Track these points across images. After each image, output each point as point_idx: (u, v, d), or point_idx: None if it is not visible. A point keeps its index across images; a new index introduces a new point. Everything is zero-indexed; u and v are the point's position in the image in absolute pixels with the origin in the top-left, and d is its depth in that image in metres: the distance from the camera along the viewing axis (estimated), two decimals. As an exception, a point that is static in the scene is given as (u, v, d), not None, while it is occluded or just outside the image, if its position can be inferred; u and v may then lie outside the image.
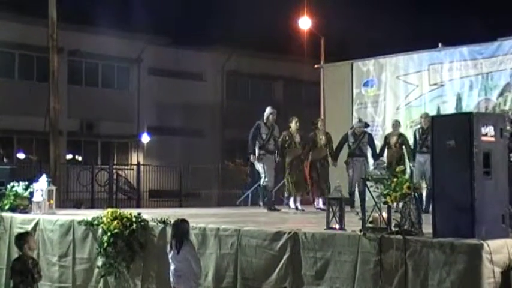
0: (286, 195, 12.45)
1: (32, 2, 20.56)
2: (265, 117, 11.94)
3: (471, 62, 14.04)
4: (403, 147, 12.59)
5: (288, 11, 22.58)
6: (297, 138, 12.09)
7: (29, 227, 9.84)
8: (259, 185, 12.56)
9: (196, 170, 23.26)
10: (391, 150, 12.54)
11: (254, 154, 11.83)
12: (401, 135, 12.75)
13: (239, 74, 30.74)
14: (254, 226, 7.97)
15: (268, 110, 12.03)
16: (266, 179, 11.88)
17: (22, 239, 8.27)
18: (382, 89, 15.60)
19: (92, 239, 9.08)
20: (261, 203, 13.17)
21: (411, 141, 12.68)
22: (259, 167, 12.03)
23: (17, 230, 10.07)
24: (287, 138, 12.05)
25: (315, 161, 12.28)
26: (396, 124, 12.92)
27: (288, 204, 12.30)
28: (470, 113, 6.42)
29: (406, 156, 12.52)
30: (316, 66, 17.82)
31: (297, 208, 11.95)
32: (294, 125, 12.08)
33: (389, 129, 14.56)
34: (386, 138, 12.87)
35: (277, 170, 12.40)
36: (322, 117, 15.82)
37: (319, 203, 12.05)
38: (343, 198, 7.31)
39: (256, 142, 11.83)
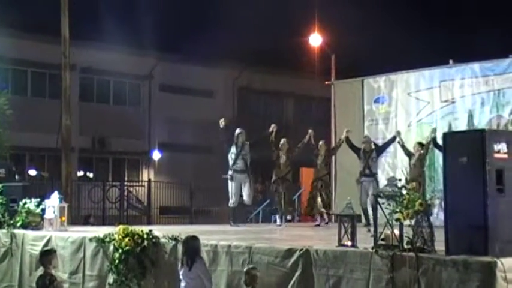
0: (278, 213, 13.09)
1: (44, 19, 20.75)
2: (234, 138, 12.48)
3: (482, 79, 13.99)
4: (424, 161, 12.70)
5: (298, 28, 22.67)
6: (282, 159, 12.73)
7: (41, 244, 9.87)
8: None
9: (207, 187, 23.25)
10: (412, 170, 12.54)
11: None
12: (422, 148, 12.73)
13: (250, 90, 30.82)
14: (266, 243, 7.95)
15: (237, 130, 12.58)
16: (232, 200, 12.50)
17: (46, 256, 8.31)
18: (393, 106, 15.56)
19: (102, 256, 9.08)
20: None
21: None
22: (229, 186, 12.63)
23: (29, 247, 10.10)
24: (275, 158, 12.74)
25: (316, 180, 13.05)
26: (418, 147, 12.89)
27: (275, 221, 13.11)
28: (482, 130, 6.42)
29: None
30: (327, 83, 17.80)
31: (280, 223, 12.70)
32: (281, 144, 12.82)
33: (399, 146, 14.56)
34: (410, 157, 12.88)
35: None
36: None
37: (318, 219, 12.87)
38: (355, 215, 7.30)
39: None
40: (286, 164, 12.80)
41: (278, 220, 12.91)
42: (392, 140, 13.30)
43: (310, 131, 13.02)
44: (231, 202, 12.57)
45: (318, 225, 12.67)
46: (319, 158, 13.03)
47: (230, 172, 12.51)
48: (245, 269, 7.27)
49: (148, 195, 22.68)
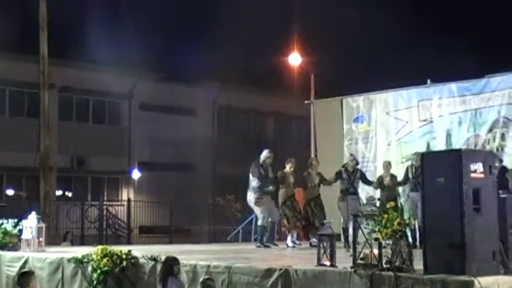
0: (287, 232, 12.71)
1: (23, 38, 20.67)
2: (261, 160, 12.22)
3: (459, 99, 14.15)
4: (396, 188, 12.79)
5: (279, 47, 22.81)
6: (291, 179, 12.45)
7: (18, 265, 9.75)
8: (253, 222, 12.77)
9: (187, 206, 23.16)
10: (384, 193, 12.61)
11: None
12: (393, 176, 12.88)
13: (230, 109, 30.88)
14: (245, 263, 7.94)
15: (265, 153, 12.29)
16: (264, 220, 12.14)
17: (24, 278, 8.19)
18: (372, 125, 15.67)
19: (81, 277, 9.00)
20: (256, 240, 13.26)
21: (401, 177, 12.82)
22: (257, 210, 12.32)
23: (5, 268, 9.97)
24: (282, 178, 12.40)
25: (308, 201, 12.67)
26: (388, 165, 13.04)
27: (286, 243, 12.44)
28: (459, 150, 6.50)
29: (399, 196, 12.74)
30: (306, 102, 17.90)
31: (294, 243, 12.20)
32: (289, 166, 12.48)
33: (380, 164, 14.66)
34: (380, 180, 12.94)
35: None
36: (313, 156, 15.99)
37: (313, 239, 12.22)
38: (334, 234, 7.32)
39: (253, 184, 12.10)
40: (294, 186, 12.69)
41: (294, 239, 12.46)
42: (370, 184, 13.17)
43: None
44: (264, 223, 12.27)
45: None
46: (311, 177, 12.72)
47: (258, 195, 12.15)
48: (201, 279, 7.30)
49: (127, 215, 22.52)
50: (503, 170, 11.37)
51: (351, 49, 26.49)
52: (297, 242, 12.30)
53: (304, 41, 21.80)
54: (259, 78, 27.61)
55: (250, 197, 12.24)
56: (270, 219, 12.19)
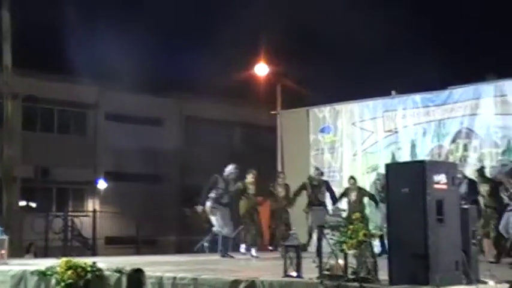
0: (242, 244, 12.70)
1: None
2: (226, 173, 12.26)
3: (423, 110, 14.38)
4: (363, 200, 12.93)
5: (246, 58, 22.86)
6: (252, 190, 12.57)
7: (-21, 279, 9.54)
8: (214, 234, 12.71)
9: (153, 217, 23.00)
10: (351, 205, 12.75)
11: (203, 205, 12.24)
12: (360, 189, 13.04)
13: (198, 119, 30.78)
14: (212, 274, 7.91)
15: (231, 167, 12.36)
16: (224, 229, 12.18)
17: None
18: (338, 135, 15.81)
19: (44, 290, 8.85)
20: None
21: (367, 188, 13.00)
22: (212, 219, 12.35)
23: (-34, 282, 9.74)
24: (242, 189, 12.49)
25: (274, 211, 12.86)
26: (352, 180, 13.20)
27: (243, 251, 12.52)
28: (423, 162, 6.59)
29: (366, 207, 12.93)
30: (272, 112, 17.98)
31: (251, 256, 12.23)
32: (250, 177, 12.58)
33: (346, 174, 14.81)
34: (346, 193, 13.11)
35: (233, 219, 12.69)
36: (280, 166, 16.21)
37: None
38: (300, 245, 7.35)
39: (211, 195, 12.16)
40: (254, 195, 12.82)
41: (253, 250, 12.55)
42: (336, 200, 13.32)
43: None
44: (227, 232, 12.34)
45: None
46: (280, 188, 12.88)
47: (215, 204, 12.22)
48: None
49: (93, 226, 22.27)
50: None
51: (318, 60, 26.69)
52: (254, 255, 12.27)
53: (271, 51, 21.91)
54: (227, 88, 27.60)
55: (207, 207, 12.31)
56: (224, 232, 12.24)
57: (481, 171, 11.57)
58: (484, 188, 11.17)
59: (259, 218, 12.67)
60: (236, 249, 12.97)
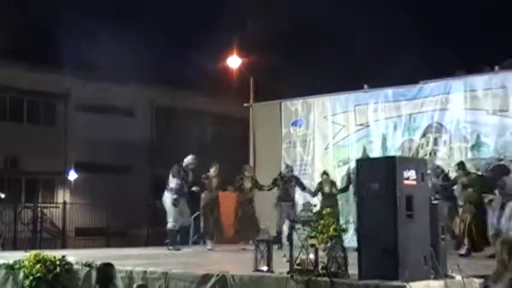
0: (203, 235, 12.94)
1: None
2: (185, 163, 12.39)
3: (394, 104, 14.48)
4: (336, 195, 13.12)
5: (219, 49, 22.78)
6: (214, 183, 12.69)
7: None
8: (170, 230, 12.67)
9: (124, 208, 22.84)
10: (325, 200, 12.87)
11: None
12: (333, 183, 13.16)
13: (169, 110, 30.61)
14: (182, 268, 7.89)
15: (189, 158, 12.44)
16: (180, 220, 12.40)
17: None
18: (310, 129, 15.85)
19: (12, 284, 8.78)
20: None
21: (338, 181, 13.13)
22: (171, 210, 12.41)
23: None
24: (205, 182, 12.58)
25: (241, 202, 13.00)
26: (324, 175, 13.39)
27: (204, 243, 12.75)
28: (393, 157, 6.64)
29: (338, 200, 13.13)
30: (245, 105, 17.95)
31: (208, 249, 12.39)
32: (212, 170, 12.72)
33: (318, 167, 14.91)
34: (320, 186, 13.24)
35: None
36: (251, 158, 16.31)
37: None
38: (271, 240, 7.37)
39: (172, 185, 12.27)
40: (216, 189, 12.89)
41: (209, 243, 12.70)
42: (307, 191, 13.45)
43: None
44: (173, 226, 12.46)
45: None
46: (247, 181, 13.01)
47: (175, 196, 12.32)
48: (134, 286, 7.27)
49: (63, 217, 22.04)
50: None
51: (290, 53, 26.71)
52: (211, 247, 12.40)
53: (244, 44, 21.85)
54: (199, 80, 27.50)
55: (167, 197, 12.28)
56: (181, 223, 12.35)
57: (462, 165, 11.72)
58: (463, 182, 11.25)
59: (219, 211, 12.73)
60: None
